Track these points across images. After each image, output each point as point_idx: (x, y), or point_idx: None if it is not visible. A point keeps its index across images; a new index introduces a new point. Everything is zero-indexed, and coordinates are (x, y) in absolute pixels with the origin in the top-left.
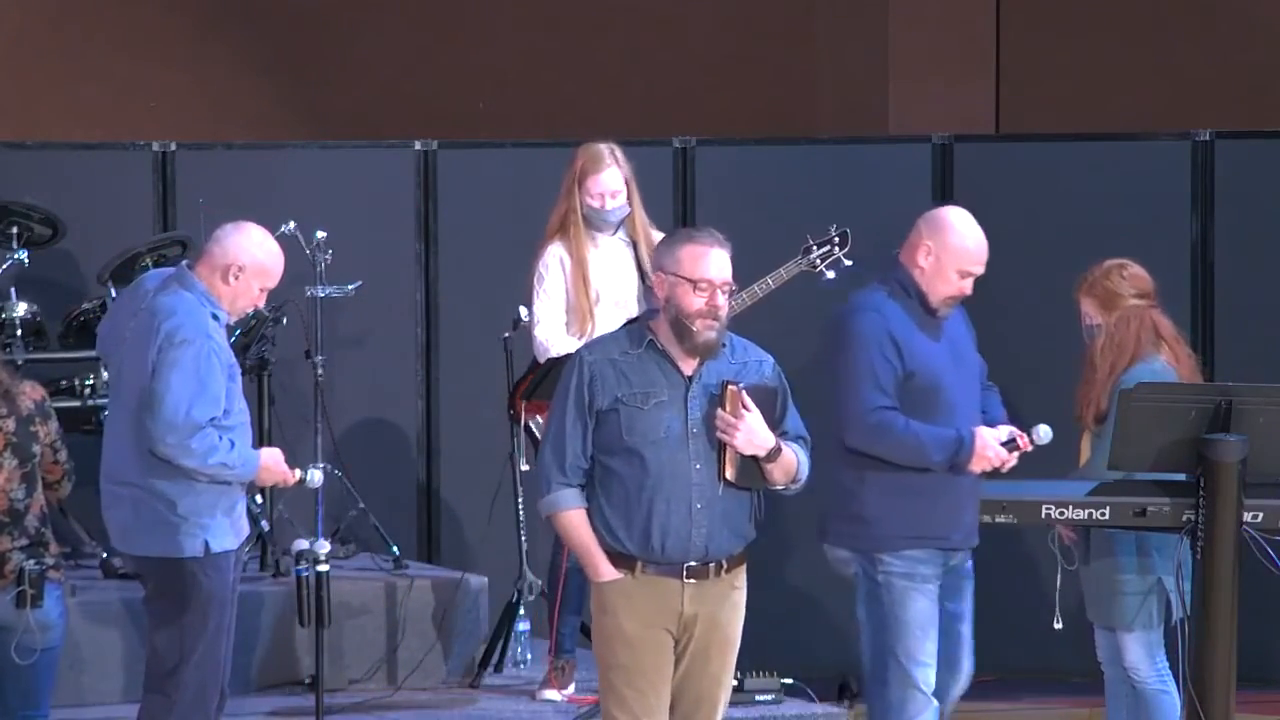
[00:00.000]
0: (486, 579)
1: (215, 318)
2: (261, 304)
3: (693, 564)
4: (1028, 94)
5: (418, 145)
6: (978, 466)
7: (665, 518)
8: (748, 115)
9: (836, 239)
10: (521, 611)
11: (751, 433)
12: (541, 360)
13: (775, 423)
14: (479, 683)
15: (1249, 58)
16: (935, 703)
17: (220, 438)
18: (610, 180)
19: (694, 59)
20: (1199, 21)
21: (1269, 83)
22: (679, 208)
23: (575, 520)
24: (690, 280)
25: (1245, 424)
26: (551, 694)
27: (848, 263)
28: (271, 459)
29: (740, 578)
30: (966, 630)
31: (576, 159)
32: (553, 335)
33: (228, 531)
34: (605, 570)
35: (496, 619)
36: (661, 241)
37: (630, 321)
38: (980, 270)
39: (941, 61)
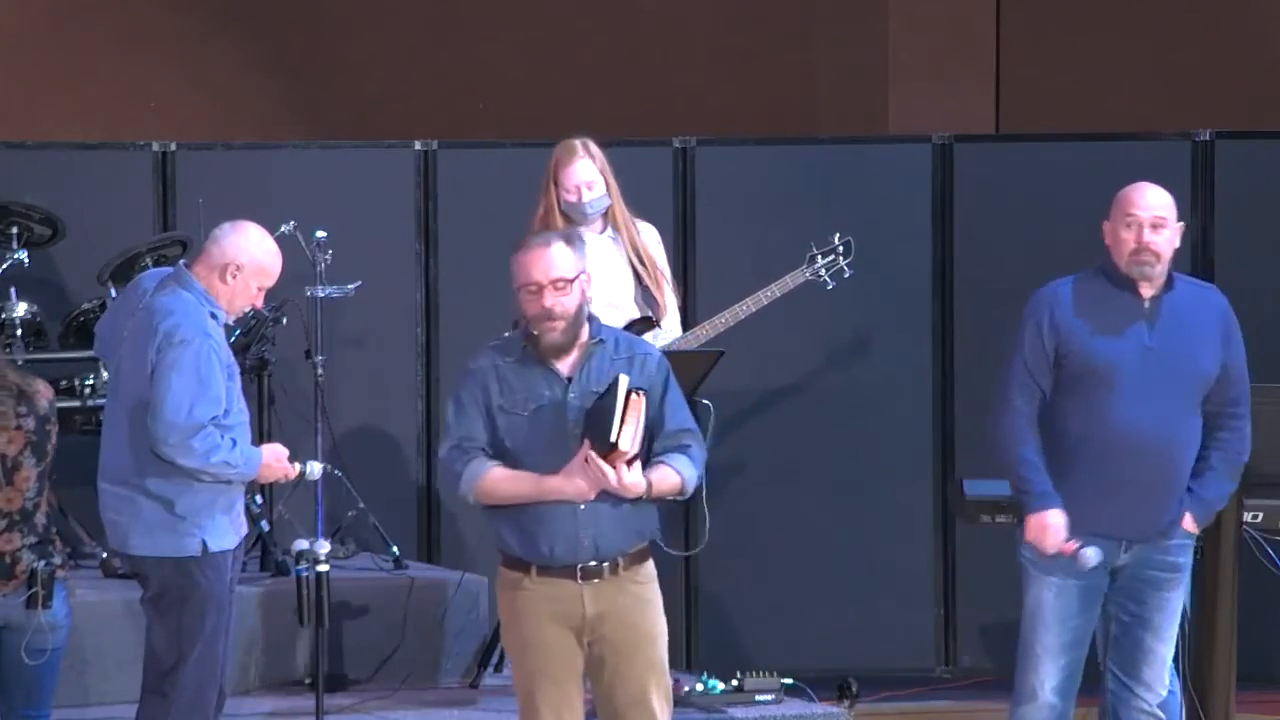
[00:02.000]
0: (486, 579)
1: (214, 317)
2: (259, 303)
3: (585, 565)
4: (1028, 94)
5: (418, 145)
6: (1027, 532)
7: (551, 522)
8: (748, 115)
9: (840, 248)
10: None
11: (624, 489)
12: None
13: (652, 432)
14: (479, 683)
15: (1249, 58)
16: (1050, 698)
17: (222, 436)
18: (583, 171)
19: (694, 59)
20: (1199, 21)
21: (1269, 83)
22: (679, 208)
23: (499, 476)
24: (521, 287)
25: None
26: None
27: (849, 272)
28: (273, 455)
29: (642, 574)
30: (1149, 639)
31: (550, 158)
32: None
33: (226, 530)
34: (561, 484)
35: (496, 619)
36: None
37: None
38: (1142, 214)
39: (941, 61)
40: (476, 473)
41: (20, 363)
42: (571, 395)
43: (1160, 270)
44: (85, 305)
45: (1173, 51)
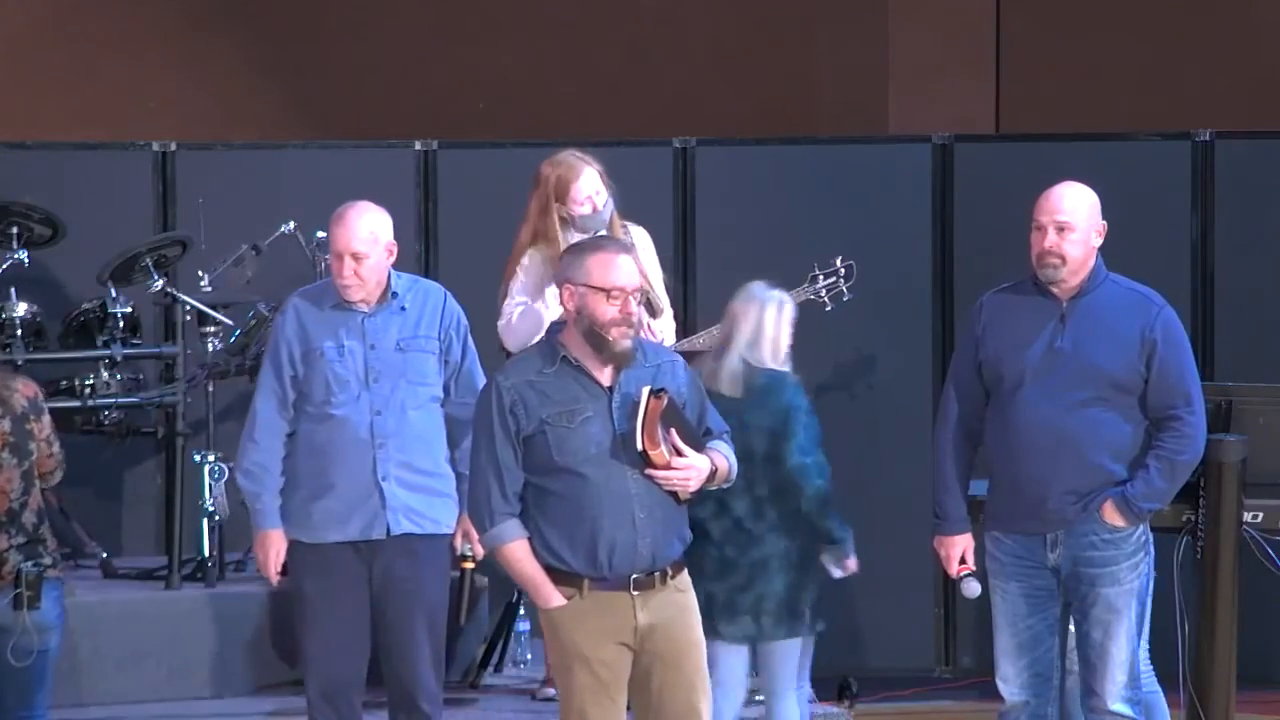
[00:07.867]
0: (486, 579)
1: (336, 307)
2: (347, 271)
3: (638, 575)
4: (1028, 94)
5: (418, 145)
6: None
7: (611, 533)
8: (748, 115)
9: (842, 270)
10: (521, 611)
11: (698, 475)
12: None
13: (696, 431)
14: (479, 683)
15: (1249, 58)
16: (1017, 696)
17: None
18: (591, 183)
19: (694, 59)
20: (1199, 21)
21: (1269, 83)
22: (679, 208)
23: (520, 552)
24: (603, 289)
25: (1245, 424)
26: (552, 693)
27: (849, 296)
28: None
29: (683, 580)
30: (1096, 635)
31: (545, 177)
32: (514, 313)
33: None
34: (555, 598)
35: (496, 619)
36: (565, 253)
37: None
38: (1045, 218)
39: (941, 61)
40: (502, 537)
41: (20, 363)
42: (615, 404)
43: (1068, 272)
44: (85, 305)
45: (1173, 51)
